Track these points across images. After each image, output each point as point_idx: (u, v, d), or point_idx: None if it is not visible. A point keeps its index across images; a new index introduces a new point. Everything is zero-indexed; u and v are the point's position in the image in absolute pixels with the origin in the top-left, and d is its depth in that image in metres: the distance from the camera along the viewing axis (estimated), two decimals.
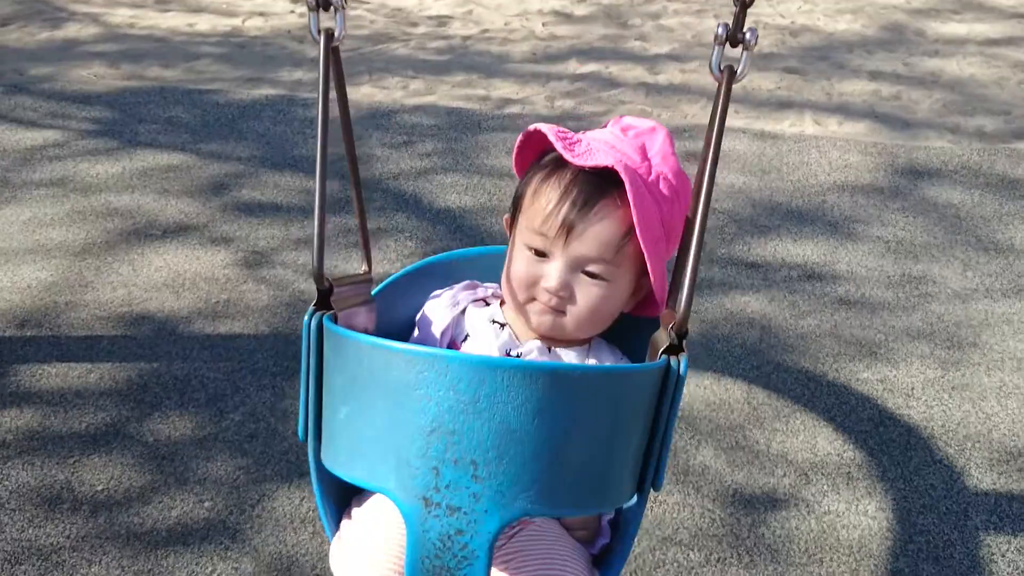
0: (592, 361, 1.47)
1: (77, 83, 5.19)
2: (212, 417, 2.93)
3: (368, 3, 6.61)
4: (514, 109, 5.08)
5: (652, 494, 1.33)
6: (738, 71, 1.30)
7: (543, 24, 6.34)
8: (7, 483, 2.66)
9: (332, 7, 1.38)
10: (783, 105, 5.19)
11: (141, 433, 2.87)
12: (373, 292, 1.57)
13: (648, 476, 1.28)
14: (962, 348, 3.37)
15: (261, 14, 6.39)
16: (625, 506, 1.36)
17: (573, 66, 5.68)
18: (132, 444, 2.83)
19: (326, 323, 1.31)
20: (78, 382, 3.07)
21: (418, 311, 1.59)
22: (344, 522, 1.44)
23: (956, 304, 3.61)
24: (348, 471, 1.24)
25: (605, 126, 1.53)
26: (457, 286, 1.59)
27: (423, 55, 5.80)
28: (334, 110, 1.49)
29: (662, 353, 1.27)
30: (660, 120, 4.95)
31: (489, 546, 1.13)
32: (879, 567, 2.52)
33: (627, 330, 1.52)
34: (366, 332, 1.45)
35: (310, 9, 1.38)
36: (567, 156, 1.38)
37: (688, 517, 2.65)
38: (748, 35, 1.27)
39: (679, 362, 1.26)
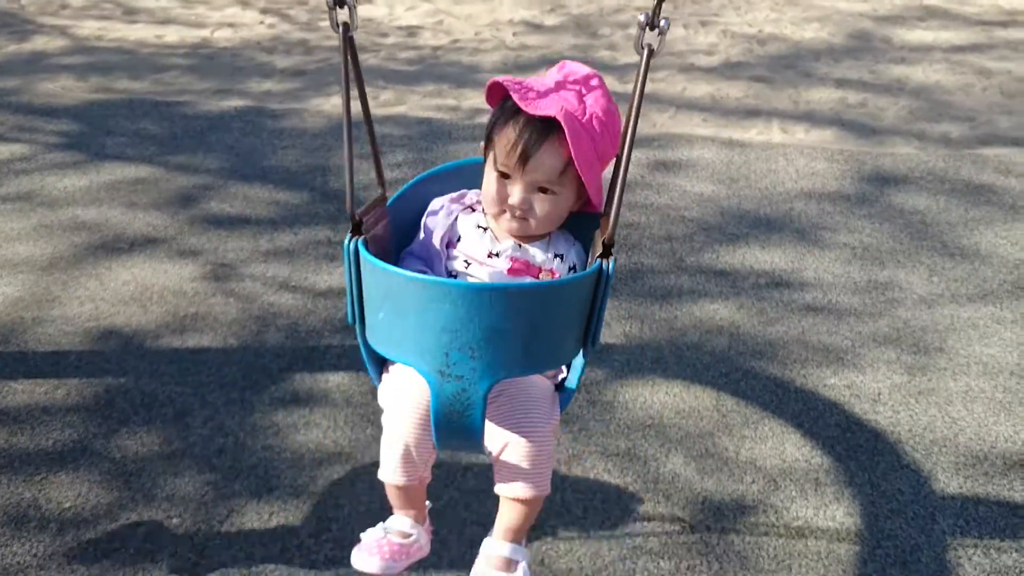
0: (552, 250, 1.93)
1: (44, 96, 5.15)
2: (180, 432, 2.91)
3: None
4: (484, 119, 5.08)
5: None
6: (656, 48, 1.66)
7: (513, 34, 6.36)
8: None
9: (347, 5, 1.66)
10: (750, 113, 5.23)
11: (108, 449, 2.85)
12: (388, 203, 1.93)
13: (589, 340, 1.78)
14: (928, 353, 3.41)
15: (230, 25, 6.37)
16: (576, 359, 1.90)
17: None
18: (99, 460, 2.81)
19: (363, 251, 1.71)
20: (45, 398, 3.04)
21: (422, 212, 1.98)
22: (384, 376, 1.95)
23: (922, 309, 3.64)
24: (388, 351, 1.75)
25: (552, 71, 1.90)
26: (448, 198, 1.99)
27: (393, 65, 5.80)
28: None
29: (597, 257, 1.71)
30: None
31: (483, 397, 1.67)
32: (847, 572, 2.54)
33: (579, 221, 1.99)
34: (385, 237, 1.89)
35: (329, 8, 1.67)
36: (522, 105, 1.77)
37: (658, 526, 2.66)
38: (663, 23, 1.64)
39: (608, 264, 1.69)
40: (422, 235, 1.97)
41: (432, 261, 1.93)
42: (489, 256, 1.91)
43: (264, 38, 6.18)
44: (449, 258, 1.92)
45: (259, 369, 3.20)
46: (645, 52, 1.65)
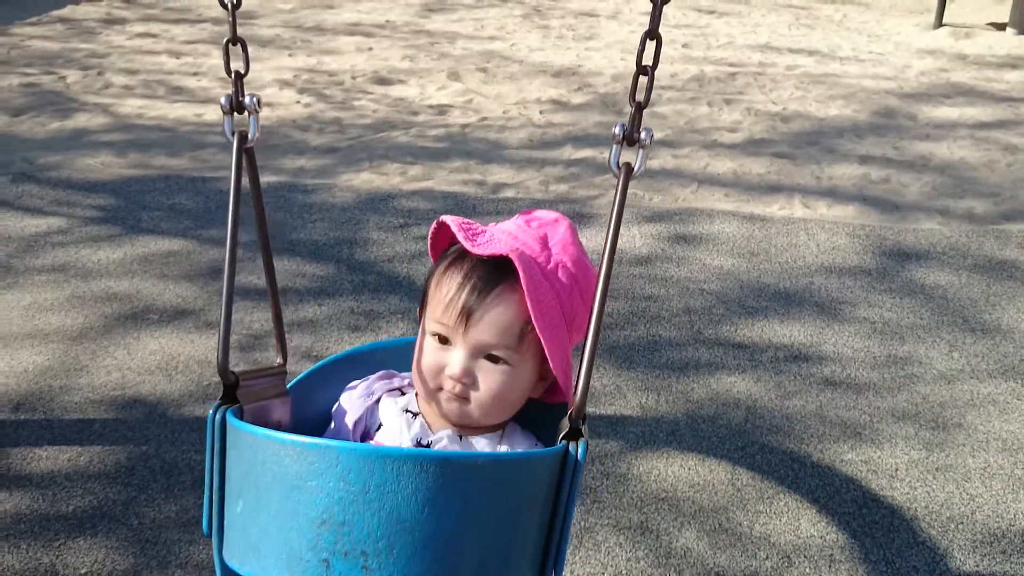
0: (504, 447, 1.48)
1: (84, 171, 5.34)
2: (197, 501, 2.96)
3: (372, 93, 6.80)
4: (509, 193, 5.19)
5: None
6: (635, 167, 1.37)
7: (540, 112, 6.50)
8: None
9: (246, 111, 1.47)
10: (773, 189, 5.29)
11: (127, 516, 2.90)
12: (290, 385, 1.54)
13: (548, 565, 1.28)
14: (947, 429, 3.38)
15: (268, 104, 6.57)
16: None
17: (568, 152, 5.81)
18: (117, 527, 2.85)
19: (228, 417, 1.32)
20: (68, 465, 3.11)
21: (327, 403, 1.59)
22: None
23: (942, 385, 3.63)
24: (243, 566, 1.25)
25: (514, 216, 1.58)
26: (373, 376, 1.60)
27: (422, 142, 5.95)
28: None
29: (561, 438, 1.29)
30: (652, 204, 5.05)
31: None
32: None
33: (545, 416, 1.52)
34: (279, 425, 1.46)
35: (224, 113, 1.46)
36: (467, 246, 1.42)
37: None
38: (644, 135, 1.35)
39: (577, 447, 1.27)
40: (332, 423, 1.56)
41: None
42: (417, 447, 1.47)
43: (300, 116, 6.37)
44: None
45: None
46: (622, 173, 1.35)
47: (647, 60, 1.35)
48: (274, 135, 5.99)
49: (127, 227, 4.71)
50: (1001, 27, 8.88)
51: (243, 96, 1.46)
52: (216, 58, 7.51)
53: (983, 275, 4.42)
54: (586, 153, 5.80)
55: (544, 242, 1.48)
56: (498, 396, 1.42)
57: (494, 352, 1.41)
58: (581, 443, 1.27)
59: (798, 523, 2.95)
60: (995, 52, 8.23)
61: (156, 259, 4.41)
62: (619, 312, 4.05)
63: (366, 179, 5.35)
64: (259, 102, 1.48)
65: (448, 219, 1.47)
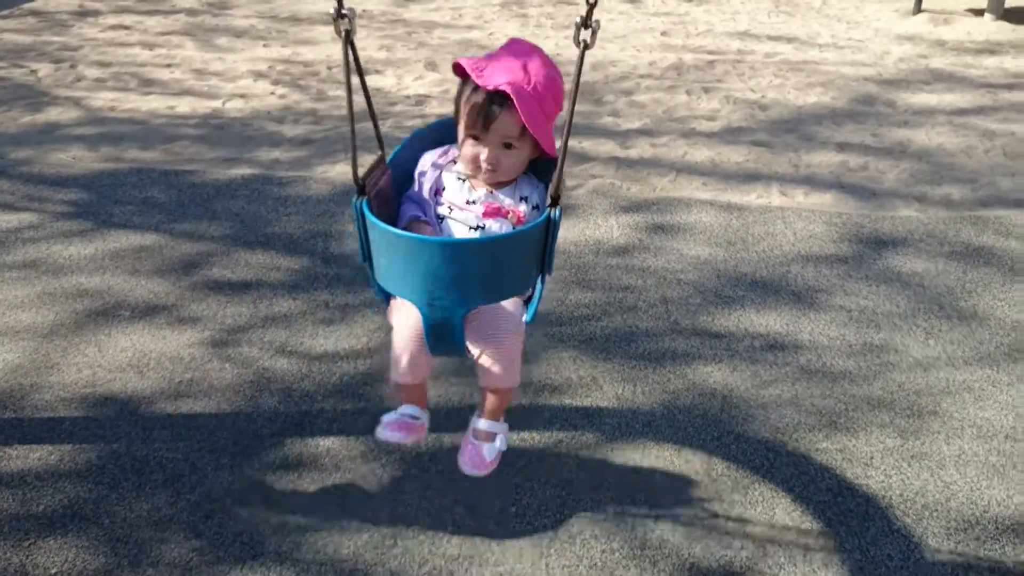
0: (518, 192, 2.35)
1: (55, 166, 5.27)
2: (168, 498, 2.93)
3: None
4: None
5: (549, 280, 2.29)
6: (589, 43, 1.99)
7: None
8: None
9: (347, 18, 2.01)
10: (751, 177, 5.27)
11: (97, 515, 2.87)
12: (388, 160, 2.31)
13: (544, 269, 2.20)
14: (922, 416, 3.38)
15: (242, 96, 6.51)
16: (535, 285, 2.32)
17: None
18: (88, 526, 2.82)
19: (366, 211, 2.11)
20: (38, 464, 3.07)
21: (416, 163, 2.39)
22: (392, 302, 2.39)
23: (917, 372, 3.63)
24: (389, 288, 2.19)
25: (502, 48, 2.29)
26: (436, 153, 2.39)
27: (400, 133, 5.90)
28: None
29: (546, 207, 2.11)
30: (629, 194, 5.03)
31: (461, 321, 2.13)
32: None
33: (542, 167, 2.40)
34: (386, 189, 2.28)
35: (333, 20, 2.02)
36: (479, 83, 2.19)
37: None
38: (594, 23, 1.98)
39: (556, 212, 2.10)
40: (416, 187, 2.37)
41: (424, 206, 2.33)
42: (467, 203, 2.32)
43: (275, 108, 6.31)
44: (437, 204, 2.33)
45: (250, 434, 3.22)
46: (581, 46, 2.00)
47: None
48: (249, 127, 5.93)
49: (99, 222, 4.66)
50: (979, 13, 8.89)
51: (344, 9, 2.00)
52: (189, 50, 7.44)
53: (960, 262, 4.42)
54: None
55: (525, 68, 2.20)
56: (512, 166, 2.30)
57: (507, 141, 2.25)
58: (557, 209, 2.10)
59: (773, 512, 2.94)
60: (973, 38, 8.23)
61: (128, 254, 4.36)
62: (596, 303, 4.03)
63: (342, 171, 5.31)
64: (354, 13, 2.03)
65: (463, 61, 2.23)
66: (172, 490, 2.96)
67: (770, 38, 8.14)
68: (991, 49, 7.91)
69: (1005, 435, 3.29)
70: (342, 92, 6.60)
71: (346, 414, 3.34)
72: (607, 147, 5.66)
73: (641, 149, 5.65)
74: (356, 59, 2.09)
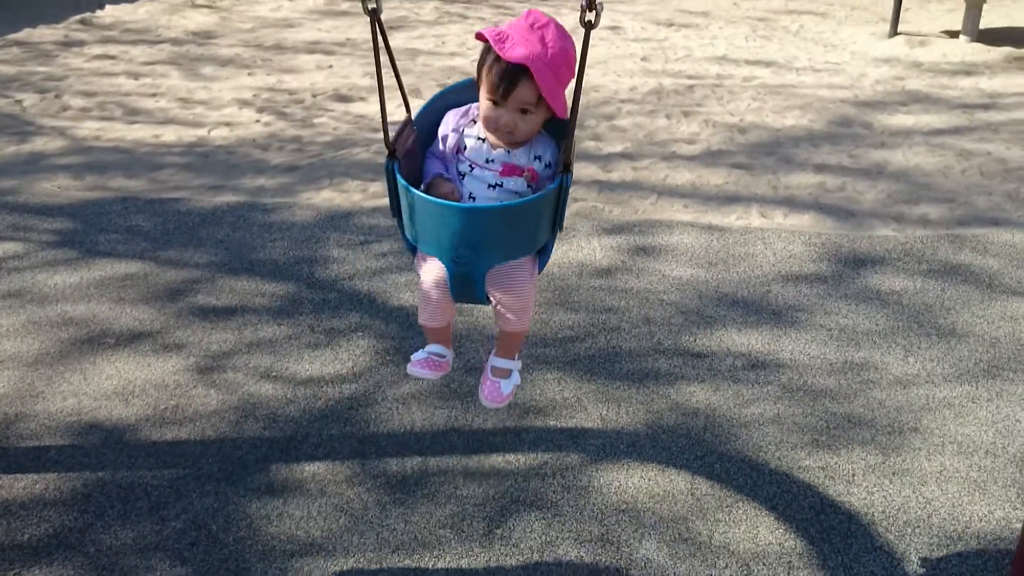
0: (534, 151, 2.44)
1: (41, 195, 5.29)
2: (154, 525, 2.93)
3: (332, 111, 6.79)
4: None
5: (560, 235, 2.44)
6: (594, 23, 2.16)
7: None
8: None
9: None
10: (730, 199, 5.33)
11: (83, 543, 2.87)
12: (414, 120, 2.48)
13: (556, 227, 2.40)
14: (903, 433, 3.42)
15: (227, 124, 6.54)
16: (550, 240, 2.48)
17: None
18: (73, 555, 2.83)
19: (396, 172, 2.30)
20: (23, 493, 3.08)
21: (440, 120, 2.52)
22: (418, 255, 2.47)
23: (897, 390, 3.67)
24: (417, 242, 2.37)
25: (520, 19, 2.41)
26: (459, 112, 2.50)
27: (383, 158, 5.93)
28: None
29: (558, 173, 2.32)
30: (612, 216, 5.08)
31: (483, 274, 2.32)
32: None
33: (555, 127, 2.51)
34: (414, 147, 2.43)
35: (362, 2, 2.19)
36: (500, 54, 2.29)
37: None
38: (599, 5, 2.14)
39: (566, 177, 2.30)
40: (440, 144, 2.50)
41: (447, 163, 2.46)
42: (486, 162, 2.44)
43: (260, 136, 6.34)
44: (459, 161, 2.45)
45: (235, 460, 3.23)
46: (586, 28, 2.16)
47: None
48: (234, 155, 5.97)
49: (84, 250, 4.67)
50: (954, 35, 9.02)
51: None
52: (174, 79, 7.48)
53: (938, 280, 4.47)
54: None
55: (543, 40, 2.32)
56: (528, 129, 2.40)
57: (524, 107, 2.35)
58: (569, 176, 2.31)
59: (756, 531, 2.97)
60: (949, 59, 8.35)
61: (113, 282, 4.38)
62: (579, 324, 4.06)
63: (327, 197, 5.34)
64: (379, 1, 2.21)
65: (486, 32, 2.33)
66: (157, 517, 2.97)
67: (748, 62, 8.23)
68: (966, 70, 8.03)
69: (985, 451, 3.33)
70: (327, 119, 6.66)
71: (332, 439, 3.36)
72: (589, 170, 5.71)
73: (623, 172, 5.71)
74: (384, 34, 2.25)
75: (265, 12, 9.70)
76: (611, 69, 7.97)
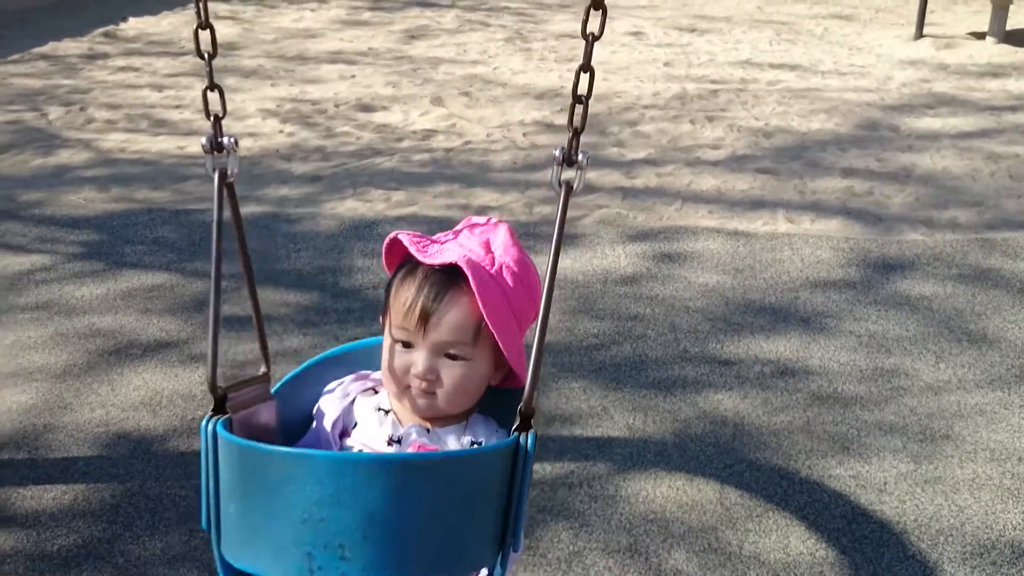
0: (468, 437, 1.65)
1: (67, 207, 5.33)
2: (182, 536, 2.94)
3: (355, 120, 6.81)
4: (493, 216, 5.18)
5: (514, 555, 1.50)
6: (574, 186, 1.52)
7: (524, 134, 6.51)
8: None
9: (225, 149, 1.58)
10: (756, 204, 5.30)
11: (111, 554, 2.87)
12: (274, 389, 1.69)
13: (507, 541, 1.44)
14: (935, 441, 3.38)
15: (251, 135, 6.58)
16: (492, 567, 1.48)
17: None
18: (102, 565, 2.83)
19: (218, 428, 1.46)
20: (52, 504, 3.09)
21: (313, 400, 1.74)
22: None
23: (929, 396, 3.62)
24: (238, 559, 1.44)
25: (456, 230, 1.72)
26: (349, 378, 1.75)
27: (406, 168, 5.95)
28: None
29: (513, 430, 1.42)
30: (636, 223, 5.06)
31: None
32: None
33: (505, 400, 1.67)
34: (267, 428, 1.62)
35: (205, 152, 1.58)
36: (420, 257, 1.59)
37: None
38: (581, 157, 1.51)
39: (527, 438, 1.40)
40: (313, 423, 1.71)
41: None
42: (389, 443, 1.63)
43: (283, 146, 6.37)
44: (343, 448, 1.66)
45: None
46: (563, 189, 1.50)
47: (582, 90, 1.52)
48: (258, 165, 5.99)
49: (110, 262, 4.70)
50: (981, 36, 8.94)
51: (222, 136, 1.59)
52: (198, 90, 7.51)
53: (968, 285, 4.42)
54: (570, 174, 5.80)
55: (487, 247, 1.62)
56: (460, 387, 1.60)
57: (452, 350, 1.58)
58: (530, 434, 1.40)
59: (787, 540, 2.93)
60: (976, 61, 8.28)
61: (139, 293, 4.40)
62: (605, 332, 4.04)
63: (350, 207, 5.35)
64: (236, 142, 1.61)
65: (402, 235, 1.63)
66: (185, 528, 2.97)
67: (772, 66, 8.20)
68: (994, 72, 7.96)
69: (1019, 457, 3.28)
70: (349, 129, 6.67)
71: None
72: (612, 177, 5.70)
73: (647, 179, 5.69)
74: (235, 210, 1.61)
75: (287, 23, 9.76)
76: (633, 75, 7.96)
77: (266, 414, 1.63)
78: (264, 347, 1.72)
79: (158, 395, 3.64)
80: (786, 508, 3.07)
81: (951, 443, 3.36)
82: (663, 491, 3.15)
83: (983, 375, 3.75)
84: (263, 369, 1.68)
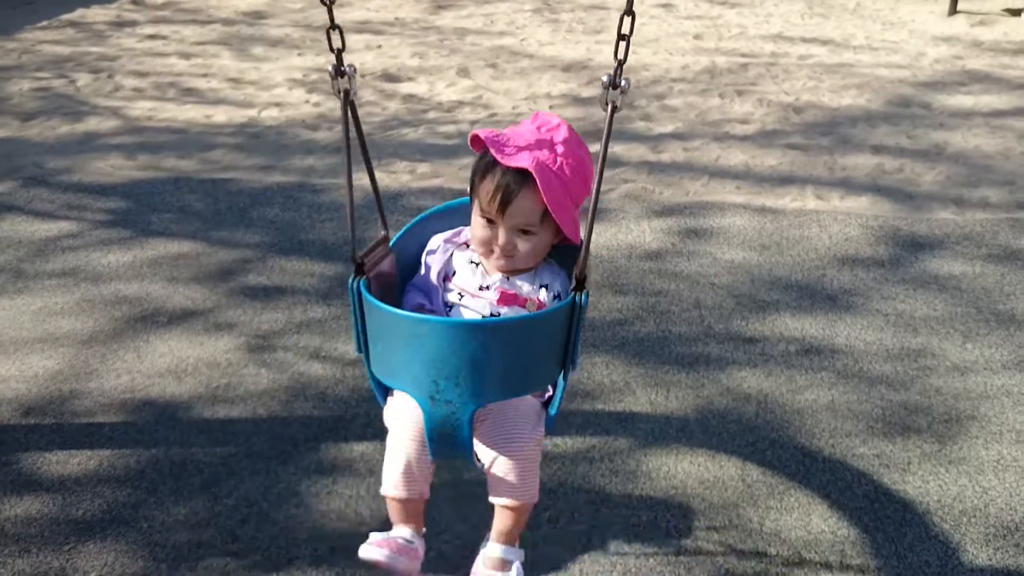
0: (538, 281, 2.14)
1: (94, 175, 5.35)
2: (206, 502, 2.96)
3: (381, 91, 6.79)
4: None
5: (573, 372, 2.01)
6: (618, 104, 1.85)
7: (550, 107, 6.47)
8: (3, 571, 2.70)
9: (346, 76, 1.95)
10: (785, 181, 5.24)
11: (136, 519, 2.90)
12: (391, 243, 2.16)
13: (567, 362, 1.97)
14: (960, 421, 3.35)
15: (277, 104, 6.57)
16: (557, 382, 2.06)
17: None
18: (127, 530, 2.86)
19: (362, 289, 1.94)
20: (78, 469, 3.12)
21: (424, 248, 2.21)
22: (389, 399, 2.14)
23: (955, 377, 3.59)
24: (387, 379, 2.01)
25: (526, 122, 2.12)
26: (446, 235, 2.20)
27: (432, 140, 5.93)
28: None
29: (571, 291, 1.90)
30: (662, 198, 5.02)
31: (470, 419, 1.90)
32: None
33: (564, 251, 2.17)
34: (391, 274, 2.12)
35: (331, 77, 1.95)
36: (499, 158, 1.99)
37: None
38: (624, 83, 1.83)
39: (581, 296, 1.89)
40: (422, 271, 2.19)
41: (431, 294, 2.14)
42: (480, 289, 2.13)
43: (309, 116, 6.37)
44: (445, 291, 2.13)
45: (286, 439, 3.25)
46: (609, 108, 1.84)
47: (625, 30, 1.82)
48: (284, 135, 5.99)
49: (137, 230, 4.72)
50: (1016, 13, 8.78)
51: (343, 66, 1.94)
52: (225, 59, 7.52)
53: (997, 265, 4.36)
54: (595, 147, 5.76)
55: (552, 145, 2.02)
56: (531, 252, 2.09)
57: (525, 228, 2.04)
58: (584, 293, 1.89)
59: (809, 518, 2.92)
60: (1011, 38, 8.14)
61: (166, 261, 4.42)
62: (629, 307, 4.03)
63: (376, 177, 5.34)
64: (355, 69, 1.97)
65: (482, 134, 2.04)
66: (209, 494, 3.00)
67: (804, 40, 8.09)
68: None
69: None
70: (376, 99, 6.65)
71: (380, 419, 3.36)
72: (639, 151, 5.65)
73: (673, 153, 5.64)
74: (357, 123, 1.97)
75: None
76: (662, 47, 7.88)
77: (388, 263, 2.11)
78: (381, 213, 2.17)
79: (183, 362, 3.67)
80: (808, 486, 3.06)
81: (976, 424, 3.33)
82: (684, 467, 3.14)
83: (1011, 356, 3.71)
84: (383, 232, 2.14)
